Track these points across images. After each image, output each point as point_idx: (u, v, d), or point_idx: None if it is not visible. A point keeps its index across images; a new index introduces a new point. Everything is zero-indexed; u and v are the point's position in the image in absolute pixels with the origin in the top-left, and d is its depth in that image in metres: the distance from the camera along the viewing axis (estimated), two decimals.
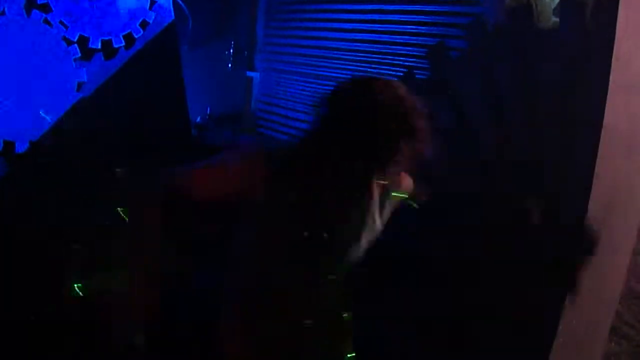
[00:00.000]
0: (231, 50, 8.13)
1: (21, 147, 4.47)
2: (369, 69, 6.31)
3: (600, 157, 3.20)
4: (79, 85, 4.66)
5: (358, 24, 6.50)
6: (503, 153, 3.86)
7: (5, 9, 4.40)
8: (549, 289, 3.44)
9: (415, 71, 4.74)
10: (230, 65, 8.16)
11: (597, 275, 3.44)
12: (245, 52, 8.12)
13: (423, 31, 5.68)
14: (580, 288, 3.40)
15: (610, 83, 3.12)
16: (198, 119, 7.64)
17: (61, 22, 4.57)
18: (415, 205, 2.89)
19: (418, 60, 5.33)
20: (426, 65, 4.58)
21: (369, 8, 6.33)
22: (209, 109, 8.04)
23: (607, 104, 3.13)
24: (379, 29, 6.21)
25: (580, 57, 3.38)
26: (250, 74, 8.17)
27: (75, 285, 3.91)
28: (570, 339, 3.47)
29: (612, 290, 3.73)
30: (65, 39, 4.59)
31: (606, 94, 3.12)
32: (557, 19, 3.80)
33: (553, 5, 4.01)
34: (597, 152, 3.20)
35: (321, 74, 7.08)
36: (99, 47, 4.74)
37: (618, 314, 4.03)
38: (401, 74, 4.74)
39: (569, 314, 3.42)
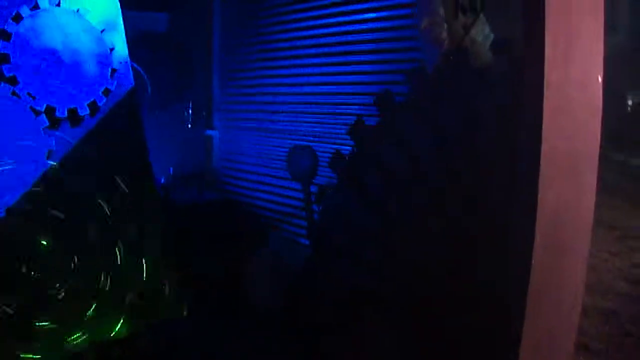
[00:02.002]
0: (190, 111, 8.31)
1: None
2: (322, 120, 6.56)
3: (542, 180, 3.30)
4: (49, 153, 4.79)
5: (309, 78, 6.78)
6: (450, 187, 4.07)
7: None
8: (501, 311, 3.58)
9: (364, 118, 4.93)
10: (190, 125, 8.33)
11: (553, 289, 3.55)
12: (204, 112, 8.33)
13: (369, 80, 5.98)
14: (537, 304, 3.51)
15: (545, 109, 3.29)
16: (162, 180, 7.77)
17: (28, 94, 4.70)
18: None
19: (366, 107, 5.55)
20: (374, 112, 4.76)
21: (319, 62, 6.61)
22: (171, 170, 8.19)
23: (543, 129, 3.30)
24: (328, 80, 6.49)
25: (514, 88, 3.58)
26: (209, 132, 8.37)
27: None
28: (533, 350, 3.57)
29: (569, 302, 3.82)
30: (33, 109, 4.73)
31: (541, 119, 3.30)
32: (492, 55, 4.06)
33: (488, 44, 4.30)
34: (538, 176, 3.30)
35: (277, 128, 7.30)
36: (66, 115, 4.90)
37: (587, 331, 4.17)
38: (351, 121, 4.94)
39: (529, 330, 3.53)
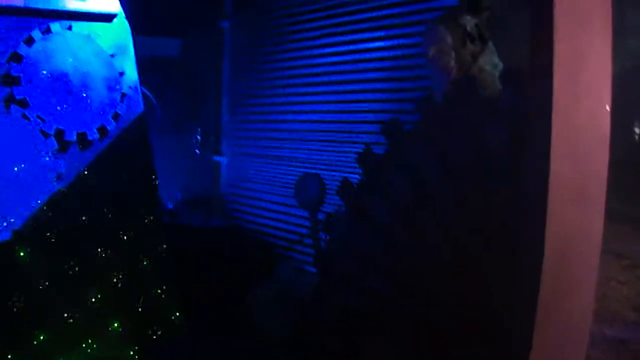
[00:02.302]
0: (199, 136, 8.32)
1: (4, 237, 4.57)
2: (330, 148, 6.56)
3: (551, 206, 3.27)
4: (58, 176, 4.83)
5: (317, 105, 6.81)
6: (458, 214, 4.05)
7: None
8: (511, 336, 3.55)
9: (372, 146, 4.92)
10: (198, 150, 8.34)
11: (560, 317, 3.52)
12: (212, 138, 8.35)
13: (377, 108, 5.99)
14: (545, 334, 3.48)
15: (552, 137, 3.28)
16: (170, 205, 7.77)
17: (39, 117, 4.75)
18: None
19: (374, 135, 5.52)
20: (383, 140, 4.76)
21: (327, 90, 6.63)
22: (179, 195, 8.18)
23: (551, 155, 3.28)
24: (337, 109, 6.50)
25: (522, 116, 3.57)
26: (217, 158, 8.38)
27: None
28: None
29: (577, 331, 3.78)
30: (42, 132, 4.77)
31: (549, 147, 3.28)
32: (500, 84, 4.06)
33: (497, 73, 4.30)
34: (547, 202, 3.27)
35: (285, 156, 7.32)
36: (75, 139, 4.93)
37: None
38: (359, 150, 4.93)
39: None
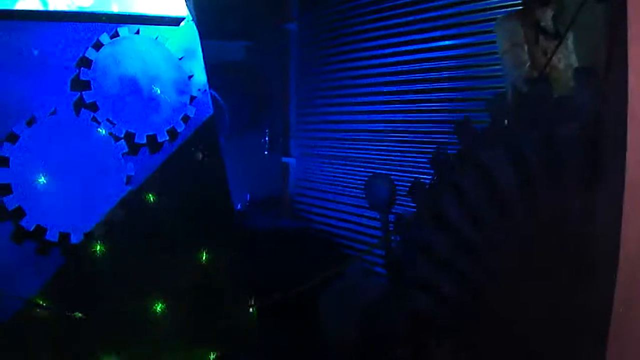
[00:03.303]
0: (267, 138, 8.35)
1: (76, 239, 4.60)
2: (400, 148, 6.49)
3: (626, 213, 3.23)
4: (128, 179, 4.84)
5: (387, 105, 6.72)
6: (531, 216, 3.94)
7: (57, 109, 4.63)
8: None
9: (444, 146, 4.85)
10: (266, 152, 8.37)
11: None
12: (280, 139, 8.35)
13: (448, 108, 5.89)
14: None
15: (629, 140, 3.16)
16: (238, 206, 7.80)
17: (108, 120, 4.78)
18: None
19: (446, 136, 5.48)
20: (454, 140, 4.69)
21: (397, 89, 6.56)
22: (247, 196, 8.22)
23: (627, 155, 3.17)
24: (407, 108, 6.42)
25: (596, 117, 3.47)
26: (286, 159, 8.39)
27: None
28: None
29: None
30: (112, 135, 4.80)
31: (625, 146, 3.17)
32: (574, 83, 3.94)
33: (570, 71, 4.17)
34: (622, 204, 3.23)
35: (353, 156, 7.26)
36: (145, 142, 4.95)
37: None
38: (431, 150, 4.85)
39: None
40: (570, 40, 4.16)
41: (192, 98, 5.21)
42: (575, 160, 3.68)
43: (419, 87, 6.28)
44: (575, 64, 4.21)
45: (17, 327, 4.42)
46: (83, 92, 4.73)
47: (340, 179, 7.50)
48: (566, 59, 4.24)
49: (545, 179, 3.87)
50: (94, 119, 4.76)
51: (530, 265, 3.88)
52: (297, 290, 5.21)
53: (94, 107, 4.76)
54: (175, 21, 5.20)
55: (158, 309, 4.90)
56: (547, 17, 4.29)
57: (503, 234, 4.09)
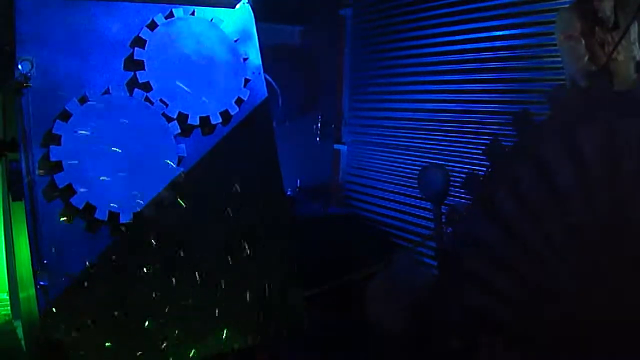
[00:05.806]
0: (319, 124, 8.31)
1: (125, 218, 4.61)
2: (455, 138, 6.39)
3: None
4: (179, 160, 4.84)
5: (440, 95, 6.63)
6: (591, 214, 3.85)
7: (110, 88, 4.65)
8: None
9: (500, 138, 4.77)
10: (318, 138, 8.33)
11: None
12: (333, 126, 8.30)
13: (507, 99, 5.77)
14: None
15: None
16: (289, 192, 7.78)
17: (161, 100, 4.79)
18: None
19: (503, 127, 5.39)
20: (511, 132, 4.61)
21: (452, 79, 6.45)
22: (298, 182, 8.20)
23: None
24: (462, 98, 6.31)
25: None
26: (337, 146, 8.34)
27: None
28: None
29: None
30: (165, 115, 4.80)
31: None
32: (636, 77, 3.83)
33: (632, 64, 4.05)
34: None
35: (406, 145, 7.18)
36: (198, 123, 4.95)
37: None
38: (487, 141, 4.77)
39: None
40: (633, 32, 4.06)
41: (247, 81, 5.20)
42: (636, 157, 3.58)
43: (475, 77, 6.16)
44: (638, 57, 4.11)
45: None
46: (137, 72, 4.75)
47: (392, 168, 7.43)
48: (626, 51, 4.14)
49: (603, 173, 3.77)
50: (147, 99, 4.77)
51: (588, 264, 3.78)
52: (346, 280, 5.16)
53: (147, 87, 4.78)
54: (231, 3, 5.18)
55: (206, 293, 4.92)
56: (605, 8, 4.18)
57: (559, 231, 3.99)
